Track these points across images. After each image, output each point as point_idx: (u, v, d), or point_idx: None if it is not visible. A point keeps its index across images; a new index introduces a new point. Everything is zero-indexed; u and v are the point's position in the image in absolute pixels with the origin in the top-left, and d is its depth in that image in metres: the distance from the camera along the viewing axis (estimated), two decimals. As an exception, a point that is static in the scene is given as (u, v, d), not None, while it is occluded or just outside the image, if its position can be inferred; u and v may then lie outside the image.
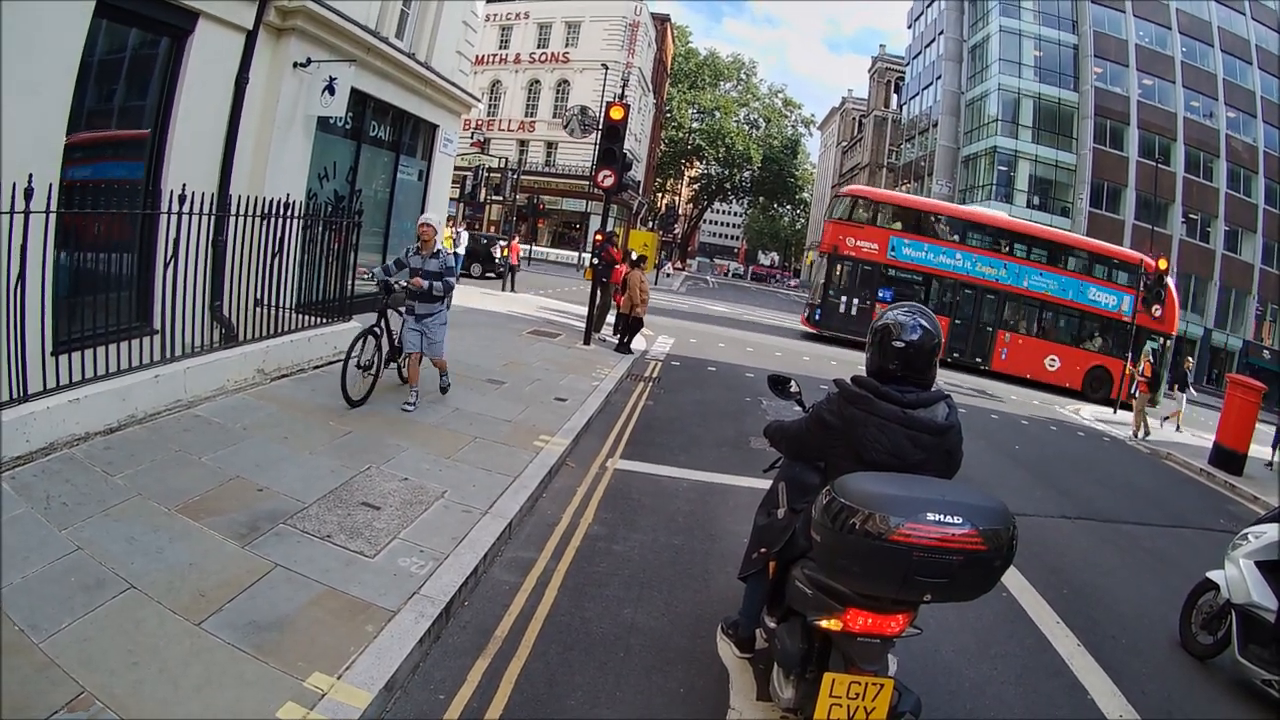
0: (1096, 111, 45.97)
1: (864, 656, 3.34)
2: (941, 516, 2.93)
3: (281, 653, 4.02)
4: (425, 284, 8.30)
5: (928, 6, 63.37)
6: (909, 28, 69.00)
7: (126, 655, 3.80)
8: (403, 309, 8.83)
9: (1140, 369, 17.46)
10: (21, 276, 5.53)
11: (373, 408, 8.44)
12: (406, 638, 4.35)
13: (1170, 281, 24.42)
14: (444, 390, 9.45)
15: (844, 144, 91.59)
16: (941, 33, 58.06)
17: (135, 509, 5.25)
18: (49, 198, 5.70)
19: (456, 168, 20.18)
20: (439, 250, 8.56)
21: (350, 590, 4.72)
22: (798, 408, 4.68)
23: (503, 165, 45.61)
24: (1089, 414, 19.41)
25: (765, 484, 4.90)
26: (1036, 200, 47.24)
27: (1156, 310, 22.92)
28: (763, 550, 4.16)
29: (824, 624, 3.37)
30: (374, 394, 8.68)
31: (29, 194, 5.41)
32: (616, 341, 16.16)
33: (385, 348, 8.91)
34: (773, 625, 3.97)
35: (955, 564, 2.95)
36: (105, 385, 6.44)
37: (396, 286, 8.46)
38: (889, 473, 3.30)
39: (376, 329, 8.54)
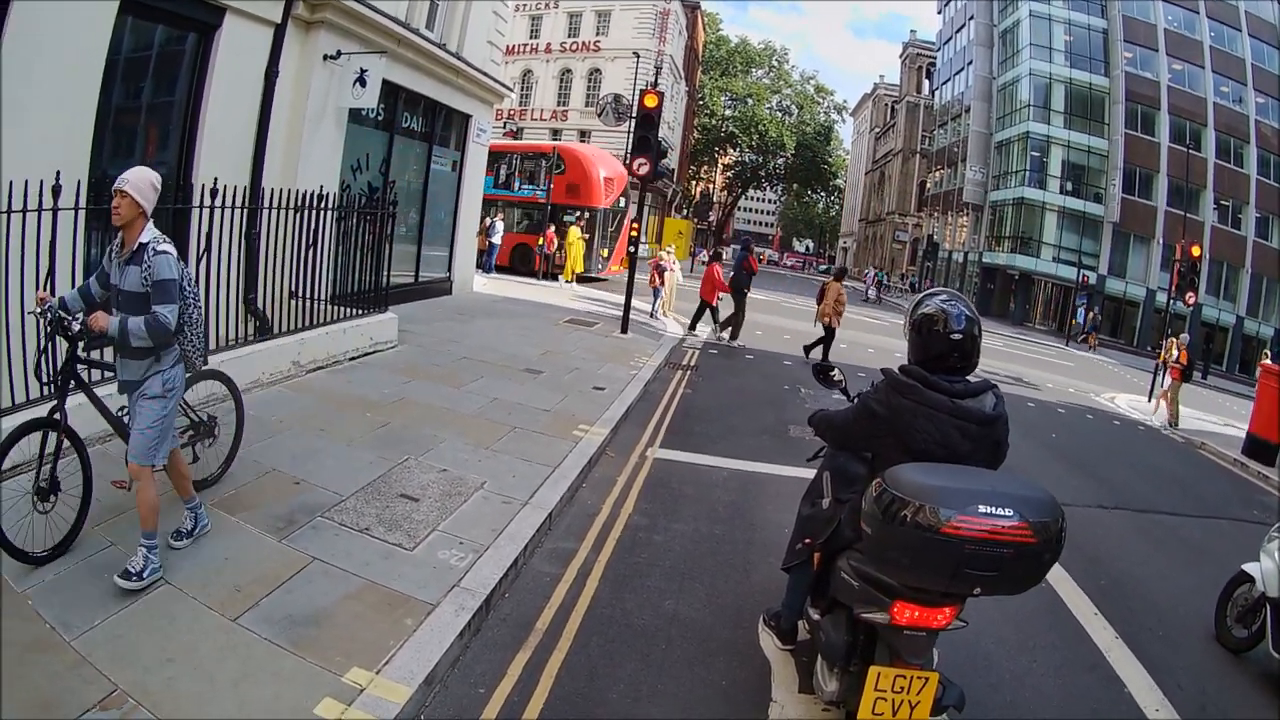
0: (1127, 97, 45.05)
1: (910, 650, 3.32)
2: (992, 509, 2.88)
3: (319, 647, 3.95)
4: (112, 323, 4.24)
5: (958, -9, 62.68)
6: (939, 13, 68.13)
7: (160, 652, 3.76)
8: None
9: (1175, 356, 16.99)
10: (51, 273, 5.50)
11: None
12: (446, 631, 4.27)
13: (585, 158, 26.31)
14: (183, 536, 4.80)
15: (877, 130, 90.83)
16: (972, 18, 57.32)
17: (169, 503, 5.10)
18: (77, 194, 5.66)
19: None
20: (152, 249, 4.28)
21: (389, 583, 4.65)
22: (842, 397, 4.62)
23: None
24: (1124, 402, 18.97)
25: (806, 473, 4.79)
26: (1069, 186, 46.67)
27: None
28: (807, 541, 4.11)
29: (870, 617, 3.34)
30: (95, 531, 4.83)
31: (56, 191, 5.38)
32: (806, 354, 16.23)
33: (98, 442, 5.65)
34: (816, 617, 3.93)
35: (1005, 557, 2.90)
36: (141, 378, 6.34)
37: (74, 326, 4.37)
38: (939, 464, 3.22)
39: (57, 413, 4.52)
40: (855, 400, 3.96)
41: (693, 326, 17.59)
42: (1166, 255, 40.46)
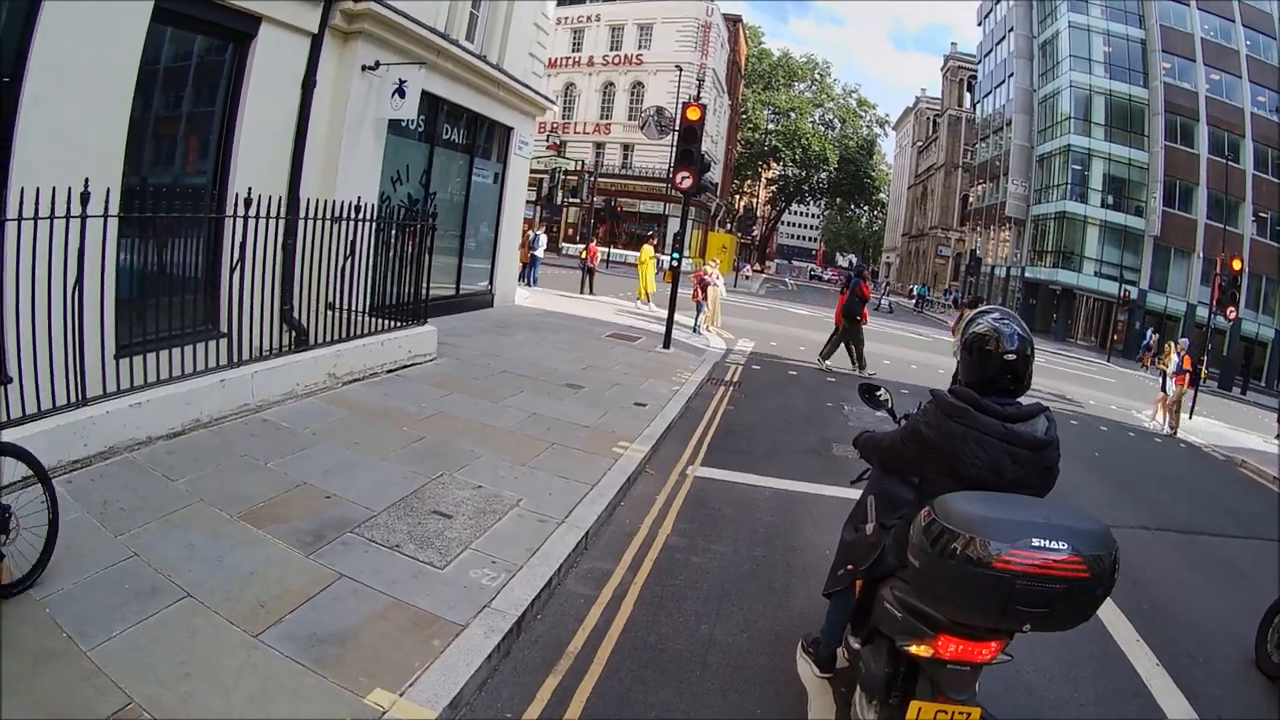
0: (1166, 108, 44.29)
1: (953, 685, 3.16)
2: (1045, 541, 2.73)
3: (342, 667, 3.82)
4: None
5: (996, 3, 62.27)
6: (979, 25, 67.85)
7: (179, 666, 3.65)
8: None
9: (1177, 363, 16.41)
10: (79, 281, 5.46)
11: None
12: (474, 653, 4.11)
13: None
14: None
15: (919, 144, 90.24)
16: (1011, 29, 56.91)
17: (196, 515, 5.13)
18: (106, 202, 5.61)
19: (533, 171, 20.15)
20: None
21: (417, 602, 4.49)
22: (887, 417, 4.43)
23: (579, 168, 45.67)
24: (1164, 419, 18.51)
25: (849, 494, 4.61)
26: (1110, 199, 46.07)
27: None
28: (849, 567, 3.92)
29: (913, 650, 3.20)
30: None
31: (85, 198, 5.34)
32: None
33: None
34: (857, 646, 3.78)
35: (1057, 592, 2.75)
36: (168, 389, 6.36)
37: None
38: (990, 492, 3.07)
39: None
40: (901, 422, 3.84)
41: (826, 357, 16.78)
42: (1206, 269, 39.71)
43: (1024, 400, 3.27)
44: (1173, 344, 17.28)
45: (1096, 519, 2.93)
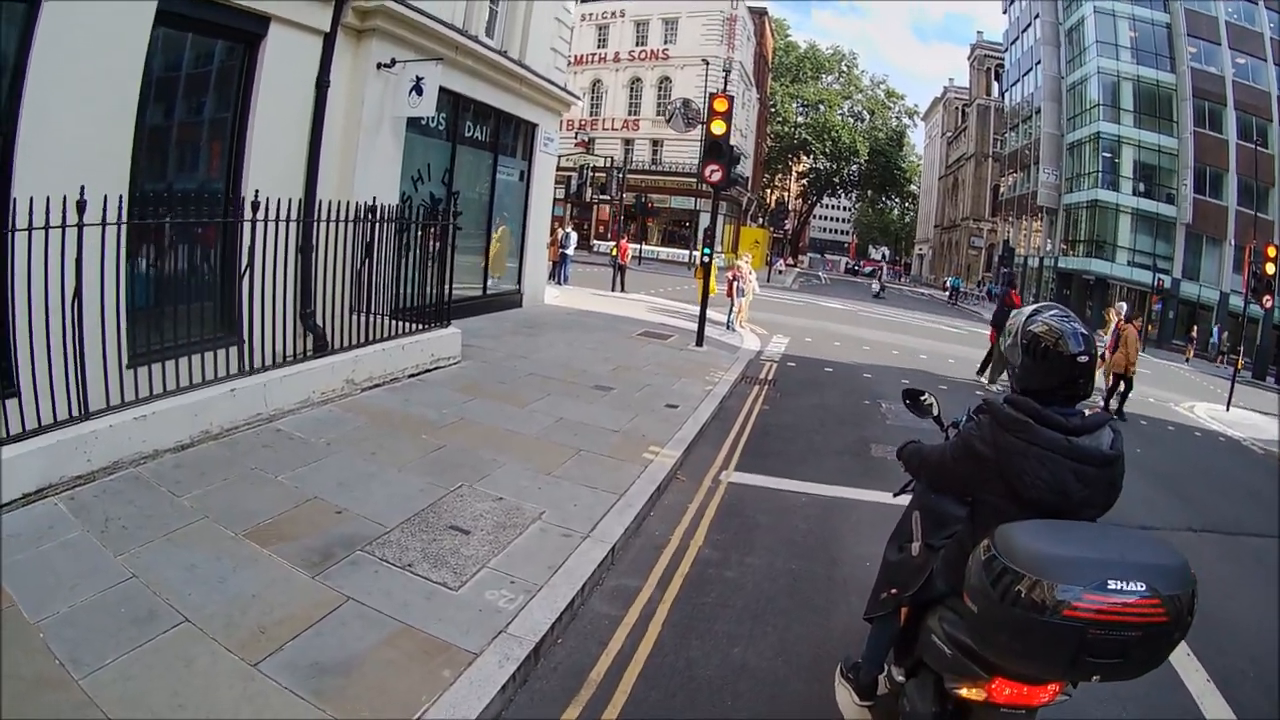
0: (1194, 93, 43.43)
1: None
2: (1121, 584, 2.37)
3: (344, 700, 3.57)
4: None
5: (1022, -11, 61.37)
6: (1004, 13, 66.98)
7: (172, 697, 3.45)
8: None
9: (1113, 328, 15.51)
10: (78, 292, 5.25)
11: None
12: (487, 684, 3.82)
13: None
14: None
15: (948, 134, 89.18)
16: (1037, 16, 56.11)
17: (199, 533, 4.90)
18: (119, 209, 5.44)
19: (562, 168, 19.87)
20: None
21: (428, 628, 4.20)
22: (935, 426, 4.03)
23: (608, 164, 45.39)
24: (1203, 411, 17.90)
25: (889, 499, 4.23)
26: (1141, 187, 45.27)
27: None
28: (893, 591, 3.54)
29: (964, 693, 2.90)
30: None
31: (81, 207, 5.13)
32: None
33: None
34: (900, 679, 3.44)
35: (1132, 640, 2.40)
36: (176, 400, 6.14)
37: None
38: (1059, 522, 2.70)
39: None
40: (950, 432, 3.61)
41: (982, 371, 16.13)
42: (1238, 257, 38.93)
43: (1087, 410, 2.90)
44: (1111, 309, 16.38)
45: (1174, 551, 2.59)
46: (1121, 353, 14.59)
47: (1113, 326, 15.45)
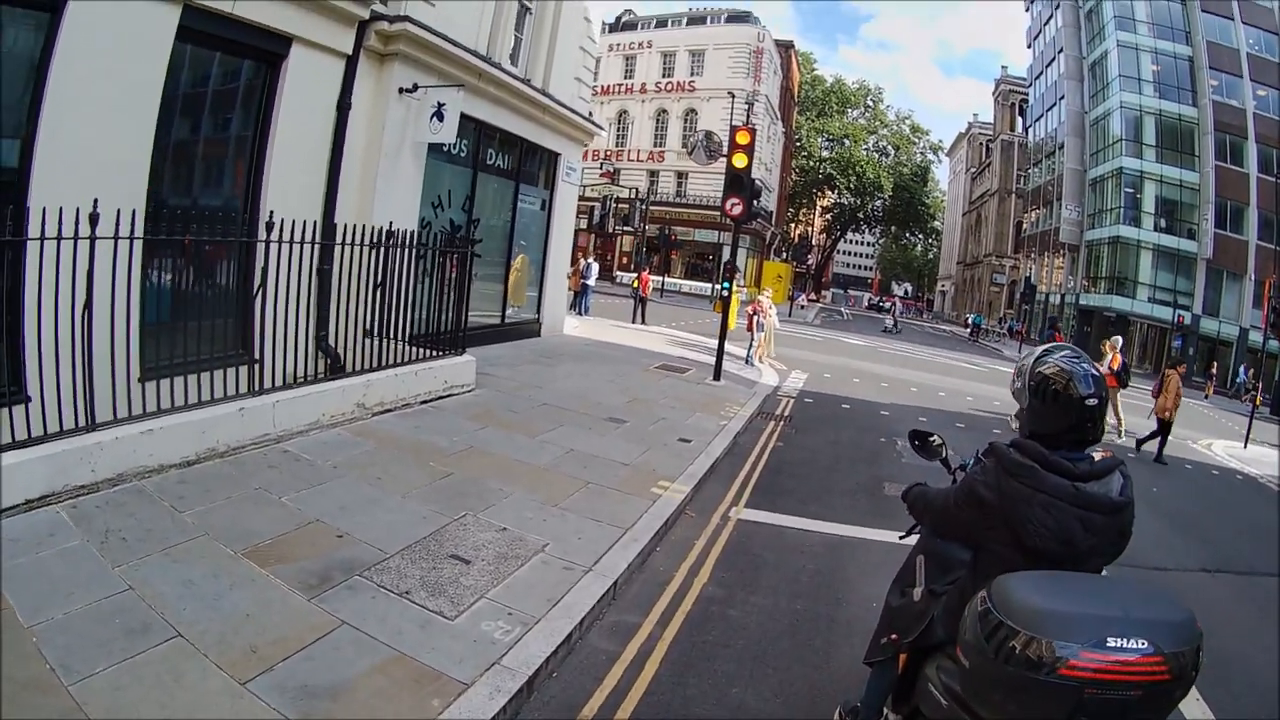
0: (1216, 126, 43.37)
1: None
2: (1122, 641, 2.26)
3: (329, 725, 3.49)
4: None
5: (1045, 24, 61.56)
6: (1028, 47, 67.08)
7: (159, 709, 3.44)
8: None
9: (1107, 361, 15.33)
10: (88, 304, 5.29)
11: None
12: (476, 716, 3.76)
13: None
14: None
15: (972, 170, 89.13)
16: (1061, 51, 56.16)
17: (198, 550, 4.89)
18: (117, 223, 5.42)
19: (586, 198, 19.95)
20: None
21: (421, 656, 4.14)
22: (943, 469, 3.92)
23: (632, 196, 45.55)
24: (1221, 449, 17.63)
25: (899, 541, 4.13)
26: (1163, 222, 45.21)
27: None
28: (893, 636, 3.42)
29: None
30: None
31: (94, 219, 5.17)
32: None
33: None
34: None
35: (1131, 700, 2.27)
36: (184, 416, 6.14)
37: None
38: (1059, 574, 2.62)
39: None
40: (957, 475, 3.54)
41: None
42: (1258, 292, 38.48)
43: (1096, 454, 2.80)
44: (1107, 341, 16.24)
45: (1179, 604, 2.48)
46: (1164, 397, 14.47)
47: (1108, 360, 15.29)
